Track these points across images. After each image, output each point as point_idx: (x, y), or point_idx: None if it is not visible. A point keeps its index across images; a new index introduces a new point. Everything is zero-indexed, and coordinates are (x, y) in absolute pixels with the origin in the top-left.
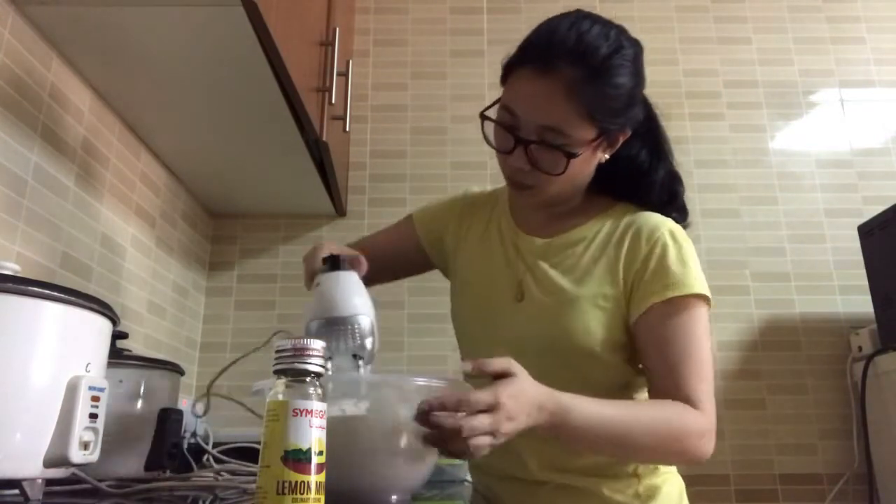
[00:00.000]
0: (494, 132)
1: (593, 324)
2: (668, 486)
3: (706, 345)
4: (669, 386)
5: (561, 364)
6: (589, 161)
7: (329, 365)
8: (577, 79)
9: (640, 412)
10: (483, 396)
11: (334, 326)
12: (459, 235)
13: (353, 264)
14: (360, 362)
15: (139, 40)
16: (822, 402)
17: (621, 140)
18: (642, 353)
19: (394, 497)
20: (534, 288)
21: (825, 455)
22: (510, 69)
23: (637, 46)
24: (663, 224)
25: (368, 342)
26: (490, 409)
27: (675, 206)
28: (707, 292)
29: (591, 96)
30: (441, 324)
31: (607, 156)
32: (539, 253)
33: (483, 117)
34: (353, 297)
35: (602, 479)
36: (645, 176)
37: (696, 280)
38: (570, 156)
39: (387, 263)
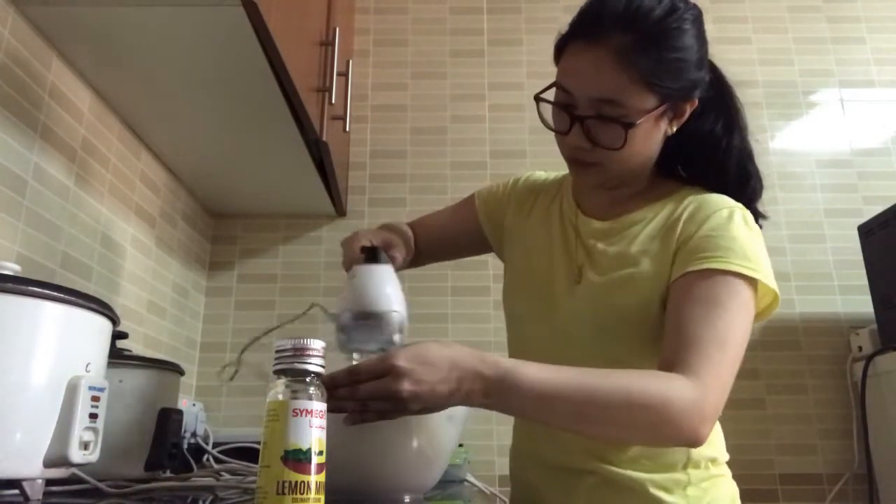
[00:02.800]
0: (552, 114)
1: (649, 303)
2: (718, 489)
3: (735, 325)
4: (670, 352)
5: (617, 345)
6: (651, 134)
7: (356, 357)
8: (628, 45)
9: (606, 378)
10: (371, 362)
11: (366, 320)
12: (519, 217)
13: (390, 257)
14: None
15: (139, 40)
16: (822, 402)
17: (689, 111)
18: (665, 321)
19: (406, 497)
20: (590, 270)
21: (825, 455)
22: (562, 46)
23: (695, 9)
24: (727, 203)
25: (397, 337)
26: (385, 374)
27: (749, 188)
28: (756, 276)
29: (644, 62)
30: (441, 323)
31: (674, 129)
32: (598, 235)
33: (538, 100)
34: (388, 292)
35: (648, 473)
36: (718, 151)
37: (745, 259)
38: (628, 126)
39: (446, 242)
